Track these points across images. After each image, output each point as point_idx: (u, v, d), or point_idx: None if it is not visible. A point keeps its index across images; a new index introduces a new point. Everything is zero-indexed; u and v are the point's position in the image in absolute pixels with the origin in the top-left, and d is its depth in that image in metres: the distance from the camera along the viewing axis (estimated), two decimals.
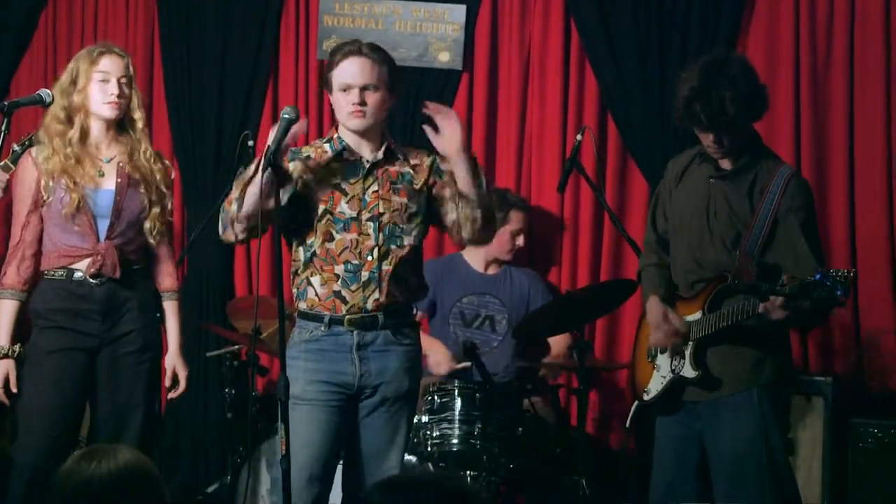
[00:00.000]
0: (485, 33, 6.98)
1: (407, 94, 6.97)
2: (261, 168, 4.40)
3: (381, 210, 4.66)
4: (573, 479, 5.78)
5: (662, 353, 5.00)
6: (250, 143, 6.50)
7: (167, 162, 5.30)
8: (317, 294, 4.65)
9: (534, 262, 6.95)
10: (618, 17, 6.76)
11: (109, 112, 5.07)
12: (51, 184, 5.03)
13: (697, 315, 4.86)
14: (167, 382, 5.25)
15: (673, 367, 4.92)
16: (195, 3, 7.17)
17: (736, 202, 4.82)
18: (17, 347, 5.05)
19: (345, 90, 4.66)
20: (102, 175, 5.09)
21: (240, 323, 6.55)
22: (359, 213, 4.66)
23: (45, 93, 4.96)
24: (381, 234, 4.65)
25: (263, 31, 7.10)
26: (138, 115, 5.15)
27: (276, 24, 7.11)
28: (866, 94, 6.56)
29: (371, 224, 4.65)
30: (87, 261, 5.05)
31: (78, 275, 5.05)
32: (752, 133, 4.90)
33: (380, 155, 4.71)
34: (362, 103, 4.65)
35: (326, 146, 4.73)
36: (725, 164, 4.87)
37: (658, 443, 5.06)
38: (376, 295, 4.63)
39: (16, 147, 5.54)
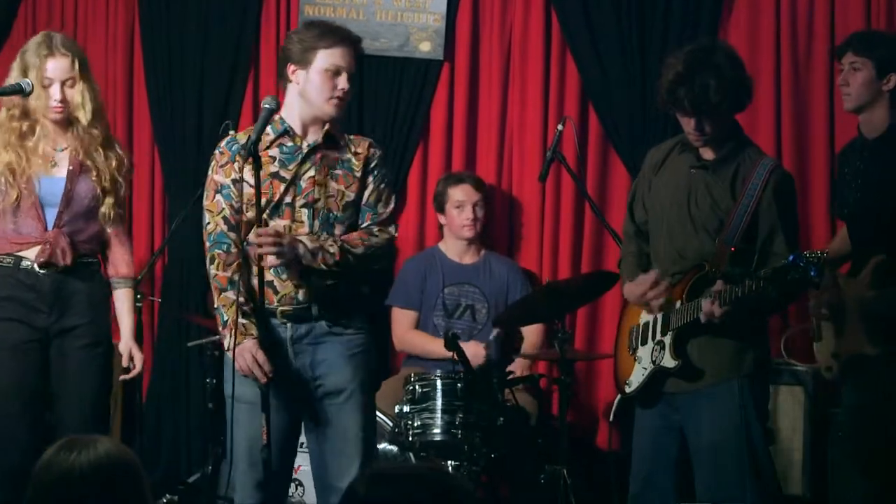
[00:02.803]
0: (466, 23, 6.98)
1: (388, 83, 6.99)
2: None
3: (317, 196, 4.60)
4: (554, 468, 5.79)
5: (643, 344, 5.00)
6: (231, 132, 6.49)
7: (120, 151, 5.18)
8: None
9: (515, 252, 6.96)
10: (599, 8, 6.76)
11: (53, 115, 5.01)
12: None
13: (677, 305, 4.86)
14: (124, 363, 5.18)
15: (653, 359, 4.92)
16: None
17: (718, 192, 4.82)
18: None
19: (335, 73, 4.61)
20: (55, 165, 5.04)
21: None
22: (293, 199, 4.60)
23: (25, 82, 4.92)
24: (315, 221, 4.59)
25: (244, 21, 7.09)
26: (87, 109, 5.04)
27: (257, 14, 7.10)
28: None
29: (305, 211, 4.59)
30: (35, 249, 4.99)
31: (25, 263, 5.00)
32: (734, 124, 4.91)
33: (318, 139, 4.65)
34: (348, 92, 4.64)
35: (269, 129, 4.65)
36: (707, 154, 4.87)
37: (637, 435, 5.06)
38: (303, 286, 4.58)
39: None
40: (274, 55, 7.08)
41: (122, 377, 5.24)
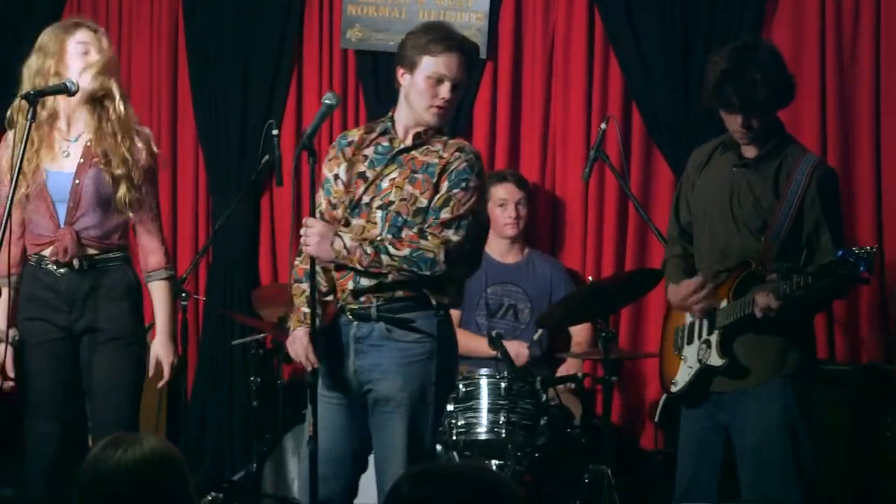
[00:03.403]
0: (509, 22, 6.97)
1: None
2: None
3: (392, 199, 4.54)
4: (598, 468, 5.76)
5: (689, 343, 4.99)
6: (275, 131, 6.53)
7: (137, 134, 5.00)
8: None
9: (558, 252, 6.95)
10: (642, 7, 6.73)
11: (63, 97, 4.88)
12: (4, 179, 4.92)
13: (723, 303, 4.85)
14: (150, 371, 5.06)
15: (700, 357, 4.91)
16: None
17: (760, 190, 4.81)
18: (12, 332, 4.97)
19: (438, 81, 4.55)
20: (67, 156, 4.94)
21: (265, 311, 6.56)
22: (371, 200, 4.57)
23: (69, 81, 4.80)
24: (386, 224, 4.53)
25: (287, 20, 7.11)
26: (117, 90, 4.95)
27: (300, 13, 7.12)
28: (892, 82, 6.52)
29: (379, 212, 4.54)
30: (50, 248, 4.92)
31: (45, 262, 4.94)
32: (776, 121, 4.89)
33: (408, 142, 4.62)
34: (450, 101, 4.58)
35: (377, 126, 4.68)
36: (749, 153, 4.85)
37: (683, 435, 5.05)
38: (350, 284, 4.55)
39: None
40: (317, 54, 7.10)
41: (158, 385, 5.16)
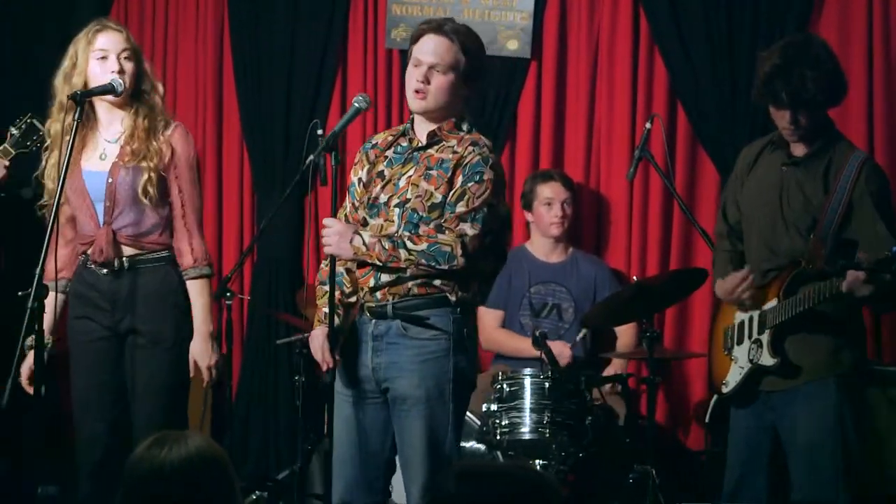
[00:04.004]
0: (553, 21, 6.96)
1: None
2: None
3: (408, 196, 4.53)
4: (643, 468, 5.75)
5: (739, 344, 4.97)
6: (319, 131, 6.52)
7: (168, 128, 4.95)
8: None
9: (603, 251, 6.93)
10: (687, 6, 6.71)
11: (101, 99, 4.90)
12: (50, 185, 4.94)
13: (773, 302, 4.82)
14: (192, 372, 4.99)
15: (751, 357, 4.89)
16: None
17: (809, 189, 4.78)
18: (48, 339, 4.91)
19: (416, 65, 4.58)
20: (104, 157, 4.95)
21: (310, 311, 6.55)
22: (389, 199, 4.57)
23: (116, 81, 4.82)
24: (402, 221, 4.52)
25: (332, 20, 7.11)
26: (146, 87, 4.96)
27: (345, 13, 7.12)
28: None
29: (396, 210, 4.54)
30: (93, 246, 4.92)
31: (90, 262, 4.94)
32: (826, 119, 4.86)
33: (424, 140, 4.61)
34: (425, 82, 4.55)
35: (400, 128, 4.70)
36: (798, 151, 4.83)
37: (731, 435, 5.03)
38: (371, 281, 4.54)
39: (13, 130, 5.54)
40: (361, 54, 7.11)
41: (204, 385, 5.16)
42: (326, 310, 4.58)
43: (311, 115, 6.86)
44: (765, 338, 4.84)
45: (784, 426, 4.82)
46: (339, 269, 4.59)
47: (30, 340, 4.70)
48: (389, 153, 4.66)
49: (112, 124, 4.97)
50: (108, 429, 4.95)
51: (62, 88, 4.92)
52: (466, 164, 4.53)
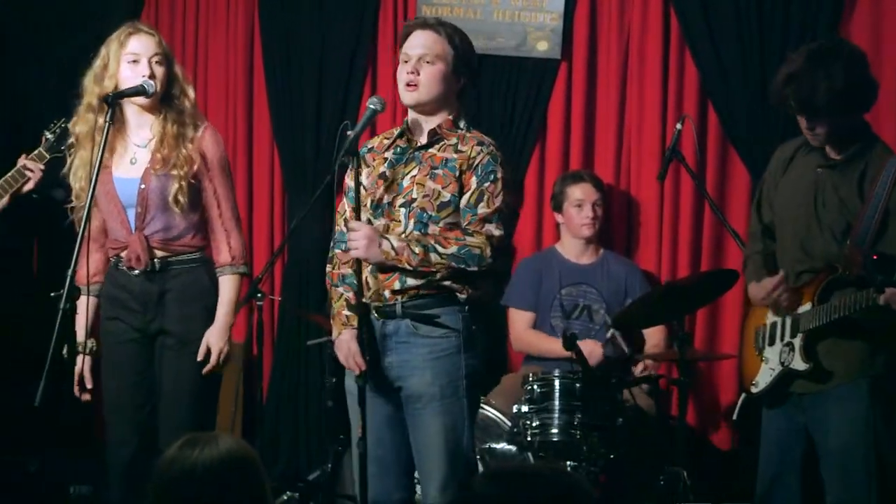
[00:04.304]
0: (583, 22, 6.95)
1: (505, 83, 6.98)
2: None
3: (414, 196, 4.54)
4: (673, 469, 5.74)
5: (771, 345, 4.95)
6: (349, 133, 6.53)
7: (198, 129, 4.99)
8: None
9: (633, 252, 6.92)
10: (718, 5, 6.69)
11: (131, 103, 4.92)
12: (78, 187, 4.97)
13: (807, 307, 4.80)
14: (199, 356, 4.97)
15: (782, 360, 4.87)
16: None
17: (845, 192, 4.75)
18: (90, 343, 5.01)
19: (405, 62, 4.60)
20: (134, 162, 4.97)
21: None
22: (393, 199, 4.58)
23: (148, 84, 4.85)
24: (410, 221, 4.53)
25: (362, 21, 7.12)
26: (176, 92, 4.98)
27: (375, 14, 7.13)
28: None
29: (402, 210, 4.55)
30: (126, 252, 4.95)
31: (121, 264, 4.98)
32: (862, 123, 4.83)
33: (424, 140, 4.62)
34: (415, 73, 4.56)
35: (396, 130, 4.70)
36: (833, 154, 4.81)
37: (764, 436, 5.01)
38: (396, 284, 4.54)
39: (48, 135, 5.59)
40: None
41: (203, 371, 5.02)
42: (347, 312, 4.61)
43: (341, 117, 6.86)
44: (797, 342, 4.82)
45: (816, 429, 4.80)
46: (349, 269, 4.64)
47: (79, 346, 4.76)
48: (388, 154, 4.66)
49: (141, 128, 4.99)
50: (138, 430, 4.98)
51: (91, 89, 4.94)
52: (477, 164, 4.56)
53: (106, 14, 7.13)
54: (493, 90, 7.00)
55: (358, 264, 4.47)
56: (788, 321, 4.88)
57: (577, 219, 6.60)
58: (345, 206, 4.75)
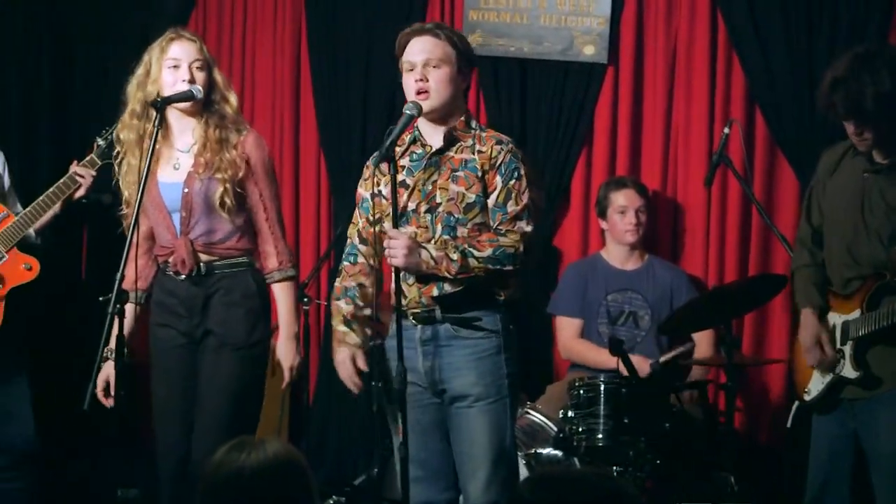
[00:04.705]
0: (630, 26, 6.93)
1: (552, 88, 6.97)
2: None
3: (438, 200, 4.56)
4: (721, 475, 5.72)
5: (817, 368, 4.93)
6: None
7: (242, 134, 5.00)
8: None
9: (680, 258, 6.90)
10: (766, 10, 6.67)
11: (174, 109, 4.94)
12: (127, 193, 4.99)
13: (856, 314, 4.78)
14: (272, 372, 5.08)
15: (833, 368, 4.86)
16: (341, 1, 7.23)
17: (891, 197, 4.73)
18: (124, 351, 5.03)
19: (410, 70, 4.61)
20: (177, 167, 4.99)
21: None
22: (417, 206, 4.58)
23: (195, 88, 4.88)
24: (438, 226, 4.55)
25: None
26: (216, 97, 4.99)
27: (422, 19, 7.12)
28: None
29: (428, 216, 4.56)
30: (173, 256, 4.97)
31: (168, 269, 5.00)
32: None
33: (440, 144, 4.62)
34: (424, 80, 4.58)
35: (406, 137, 4.68)
36: (880, 158, 4.78)
37: (814, 442, 4.99)
38: (435, 291, 4.55)
39: (99, 141, 5.63)
40: None
41: (282, 386, 5.17)
42: (343, 328, 4.70)
43: (387, 121, 6.86)
44: (847, 349, 4.81)
45: (866, 435, 4.78)
46: (353, 282, 4.73)
47: (106, 352, 4.77)
48: (405, 162, 4.64)
49: (184, 134, 5.01)
50: (186, 435, 4.98)
51: (135, 96, 4.98)
52: (500, 163, 4.58)
53: (154, 24, 7.17)
54: (539, 95, 6.99)
55: (396, 272, 4.47)
56: (839, 328, 4.86)
57: (621, 225, 6.58)
58: (357, 217, 4.78)
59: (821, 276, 4.98)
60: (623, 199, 6.58)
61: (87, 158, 5.64)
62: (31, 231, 5.68)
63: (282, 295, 5.07)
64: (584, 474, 2.81)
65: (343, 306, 4.71)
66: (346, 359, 4.66)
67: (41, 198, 5.63)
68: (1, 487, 5.72)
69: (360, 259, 4.76)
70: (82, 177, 5.60)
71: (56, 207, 5.65)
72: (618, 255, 6.67)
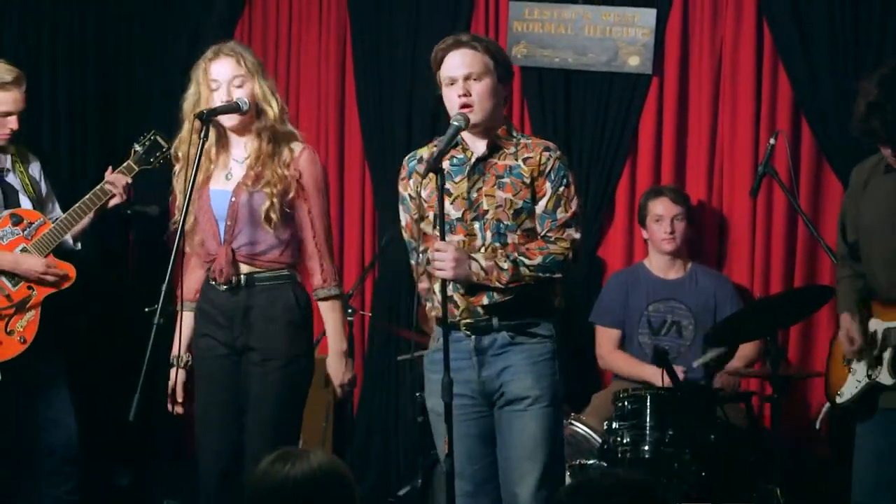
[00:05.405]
0: (675, 37, 6.92)
1: (597, 98, 6.96)
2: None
3: (486, 208, 4.55)
4: (767, 487, 5.69)
5: (857, 361, 4.91)
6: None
7: (293, 148, 4.98)
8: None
9: (725, 268, 6.87)
10: (812, 20, 6.63)
11: (226, 121, 4.94)
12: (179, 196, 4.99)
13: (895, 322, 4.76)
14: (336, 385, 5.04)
15: (869, 373, 4.83)
16: (385, 12, 7.25)
17: None
18: (185, 356, 5.02)
19: (450, 84, 4.59)
20: (229, 177, 4.99)
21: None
22: (463, 214, 4.58)
23: (241, 101, 4.87)
24: (487, 233, 4.54)
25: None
26: (266, 108, 4.95)
27: (466, 31, 7.10)
28: None
29: (476, 224, 4.56)
30: (214, 264, 4.96)
31: (212, 279, 4.99)
32: None
33: (485, 150, 4.61)
34: (467, 94, 4.56)
35: (443, 137, 4.65)
36: None
37: (858, 452, 4.97)
38: (485, 300, 4.54)
39: (137, 147, 5.66)
40: None
41: (333, 400, 5.18)
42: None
43: (432, 133, 6.86)
44: (886, 355, 4.79)
45: None
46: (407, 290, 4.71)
47: (172, 359, 4.79)
48: (444, 166, 4.58)
49: (239, 145, 5.02)
50: (229, 445, 4.98)
51: (188, 114, 4.98)
52: (549, 170, 4.58)
53: (200, 36, 7.22)
54: (584, 105, 6.99)
55: (442, 283, 4.47)
56: (880, 333, 4.84)
57: (658, 234, 6.58)
58: (403, 215, 4.83)
59: (860, 285, 4.97)
60: (659, 208, 6.57)
61: (125, 164, 5.67)
62: (69, 238, 5.71)
63: (328, 313, 5.05)
64: (621, 481, 2.82)
65: (427, 307, 4.76)
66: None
67: (76, 205, 5.66)
68: (51, 493, 5.77)
69: (418, 258, 4.77)
70: (113, 184, 5.63)
71: (89, 217, 5.68)
72: (660, 264, 6.65)
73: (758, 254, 6.80)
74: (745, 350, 6.54)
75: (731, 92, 6.83)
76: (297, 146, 5.01)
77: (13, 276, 5.58)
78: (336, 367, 5.04)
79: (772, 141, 6.28)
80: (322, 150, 7.29)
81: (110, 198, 5.66)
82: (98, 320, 7.11)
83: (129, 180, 5.66)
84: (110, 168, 5.73)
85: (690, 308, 6.55)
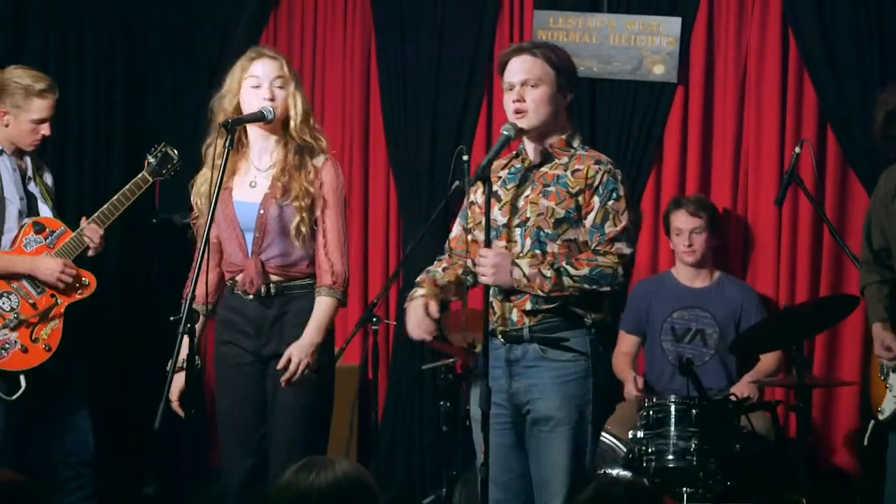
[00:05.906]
0: (700, 45, 6.91)
1: (622, 107, 6.96)
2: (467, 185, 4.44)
3: (528, 215, 4.54)
4: (793, 497, 5.67)
5: (894, 372, 4.89)
6: (465, 157, 6.51)
7: (319, 160, 4.97)
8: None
9: (750, 277, 6.85)
10: (837, 28, 6.62)
11: (251, 128, 4.94)
12: (198, 202, 5.00)
13: None
14: (280, 364, 4.85)
15: None
16: (410, 19, 7.26)
17: None
18: (196, 359, 5.03)
19: (509, 90, 4.59)
20: (254, 186, 4.97)
21: (455, 336, 6.58)
22: (508, 220, 4.57)
23: (266, 109, 4.86)
24: (527, 240, 4.52)
25: (478, 46, 7.14)
26: (298, 111, 4.94)
27: (491, 39, 7.14)
28: None
29: (518, 230, 4.55)
30: (241, 276, 4.95)
31: (237, 288, 4.97)
32: None
33: (536, 159, 4.61)
34: (521, 100, 4.55)
35: (513, 152, 4.70)
36: None
37: (890, 463, 4.95)
38: (527, 305, 4.51)
39: (150, 158, 5.68)
40: None
41: (282, 380, 5.04)
42: (414, 289, 4.73)
43: (456, 141, 6.88)
44: None
45: None
46: (439, 266, 4.79)
47: (179, 362, 4.77)
48: (503, 173, 4.65)
49: (263, 153, 5.00)
50: (252, 453, 4.98)
51: (218, 112, 4.97)
52: (598, 184, 4.53)
53: (226, 43, 7.24)
54: (609, 114, 6.98)
55: (486, 290, 4.46)
56: None
57: (679, 247, 6.60)
58: (459, 221, 4.83)
59: (887, 291, 4.95)
60: (677, 221, 6.57)
61: (139, 176, 5.68)
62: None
63: (321, 306, 4.94)
64: (640, 488, 2.84)
65: (420, 278, 4.76)
66: (419, 305, 4.62)
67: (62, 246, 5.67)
68: (67, 500, 5.78)
69: (452, 257, 4.80)
70: (90, 237, 5.64)
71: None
72: (686, 272, 6.64)
73: (783, 262, 6.78)
74: (765, 363, 6.52)
75: (756, 100, 6.82)
76: (320, 158, 4.99)
77: (36, 285, 5.60)
78: (302, 351, 4.86)
79: (797, 149, 6.27)
80: (346, 158, 7.30)
81: (86, 249, 5.66)
82: (122, 328, 7.13)
83: (102, 232, 5.65)
84: (84, 218, 5.71)
85: (716, 317, 6.54)
